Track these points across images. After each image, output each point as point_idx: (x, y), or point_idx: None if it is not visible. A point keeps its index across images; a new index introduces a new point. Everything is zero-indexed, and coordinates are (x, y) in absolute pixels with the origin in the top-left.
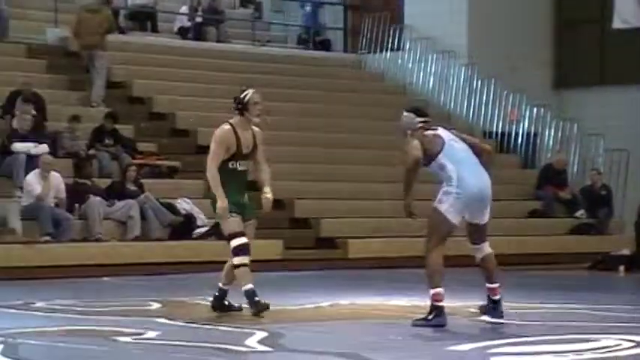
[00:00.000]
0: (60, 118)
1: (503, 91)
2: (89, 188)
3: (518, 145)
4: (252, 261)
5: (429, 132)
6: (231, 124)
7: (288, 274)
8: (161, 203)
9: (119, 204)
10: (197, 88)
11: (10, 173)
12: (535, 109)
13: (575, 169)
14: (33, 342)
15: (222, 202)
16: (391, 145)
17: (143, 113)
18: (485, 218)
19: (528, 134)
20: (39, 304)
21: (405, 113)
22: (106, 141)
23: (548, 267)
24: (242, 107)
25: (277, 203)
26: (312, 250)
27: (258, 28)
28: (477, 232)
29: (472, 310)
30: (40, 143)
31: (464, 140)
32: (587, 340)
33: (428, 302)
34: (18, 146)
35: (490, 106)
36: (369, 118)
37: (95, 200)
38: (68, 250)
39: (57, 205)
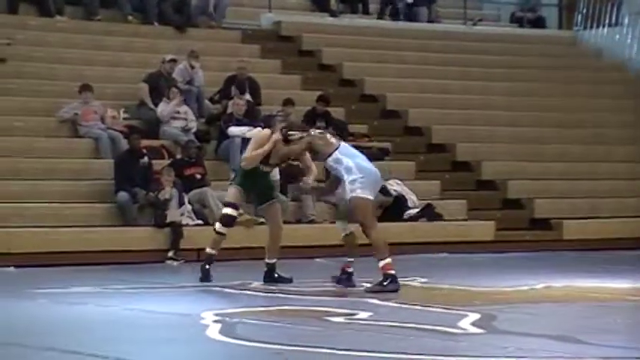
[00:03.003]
0: (273, 102)
1: None
2: (302, 170)
3: None
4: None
5: (324, 134)
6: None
7: (501, 255)
8: None
9: None
10: (408, 70)
11: (227, 156)
12: None
13: None
14: (249, 321)
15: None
16: (608, 124)
17: (354, 95)
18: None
19: None
20: (255, 284)
21: None
22: (318, 124)
23: None
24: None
25: (489, 184)
26: (526, 231)
27: (470, 7)
28: (353, 215)
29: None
30: (255, 127)
31: None
32: None
33: None
34: (233, 130)
35: None
36: (585, 96)
37: (307, 182)
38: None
39: None
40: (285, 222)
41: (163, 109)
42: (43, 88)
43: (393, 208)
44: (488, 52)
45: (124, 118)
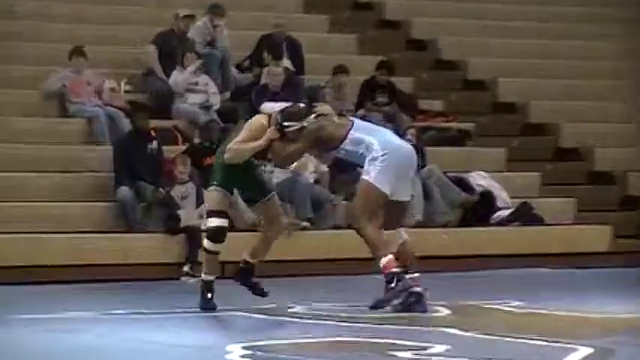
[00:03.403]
0: (319, 70)
1: None
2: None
3: None
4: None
5: (328, 116)
6: None
7: (619, 270)
8: (450, 178)
9: None
10: (491, 28)
11: None
12: None
13: None
14: (289, 357)
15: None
16: None
17: (426, 61)
18: (409, 193)
19: None
20: (296, 309)
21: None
22: (379, 98)
23: None
24: None
25: (605, 177)
26: None
27: None
28: (396, 213)
29: None
30: (295, 102)
31: None
32: None
33: None
34: (268, 107)
35: None
36: None
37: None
38: (331, 240)
39: (317, 181)
40: (335, 227)
41: (177, 78)
42: (22, 53)
43: (477, 209)
44: (604, 2)
45: (126, 92)
